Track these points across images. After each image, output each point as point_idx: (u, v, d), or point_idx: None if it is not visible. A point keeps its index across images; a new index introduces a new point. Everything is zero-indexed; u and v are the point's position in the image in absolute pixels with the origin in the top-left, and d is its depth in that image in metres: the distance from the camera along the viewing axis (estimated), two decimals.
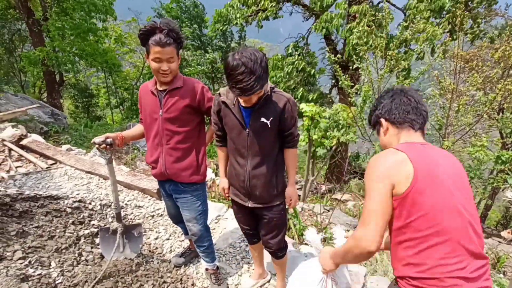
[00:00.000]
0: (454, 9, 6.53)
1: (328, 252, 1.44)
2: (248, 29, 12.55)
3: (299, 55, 9.72)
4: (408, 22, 6.90)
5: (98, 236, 2.46)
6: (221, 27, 10.07)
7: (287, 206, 1.92)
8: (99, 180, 3.62)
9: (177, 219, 2.35)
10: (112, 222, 2.79)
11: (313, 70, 9.39)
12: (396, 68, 4.83)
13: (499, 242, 8.56)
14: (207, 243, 2.22)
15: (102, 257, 2.41)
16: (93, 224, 2.74)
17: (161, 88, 1.89)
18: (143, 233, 2.80)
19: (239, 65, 1.42)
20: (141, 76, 15.64)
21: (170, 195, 2.17)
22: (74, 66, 11.04)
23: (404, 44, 6.19)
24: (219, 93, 1.77)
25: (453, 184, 1.14)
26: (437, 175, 1.13)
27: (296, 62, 9.08)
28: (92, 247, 2.48)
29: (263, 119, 1.67)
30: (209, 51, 14.31)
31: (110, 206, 3.06)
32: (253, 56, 1.44)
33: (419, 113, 1.27)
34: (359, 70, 5.22)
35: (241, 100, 1.68)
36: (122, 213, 3.07)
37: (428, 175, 1.12)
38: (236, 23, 9.68)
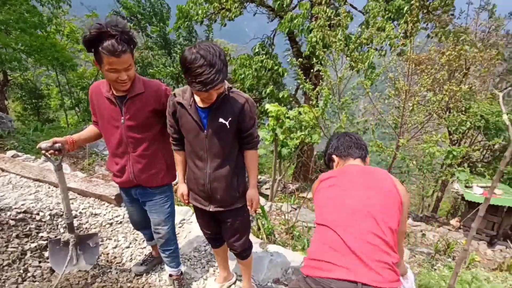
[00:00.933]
0: (408, 12, 6.91)
1: None
2: (214, 30, 12.41)
3: (265, 54, 9.77)
4: (367, 23, 7.22)
5: (48, 249, 2.25)
6: (182, 24, 9.81)
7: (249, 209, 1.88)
8: (49, 188, 3.33)
9: (141, 225, 2.24)
10: (64, 233, 2.58)
11: (281, 69, 9.48)
12: (356, 68, 5.03)
13: (449, 230, 9.30)
14: (173, 247, 2.14)
15: (52, 271, 2.21)
16: (42, 237, 2.51)
17: (119, 94, 1.73)
18: (100, 243, 2.63)
19: (197, 58, 1.35)
20: (98, 74, 14.77)
21: (136, 200, 2.05)
22: (20, 64, 10.09)
23: (365, 44, 6.46)
24: (174, 94, 1.67)
25: (358, 192, 1.38)
26: (342, 184, 1.44)
27: (264, 61, 9.10)
28: (40, 262, 2.26)
29: (221, 120, 1.61)
30: (176, 51, 13.84)
31: (61, 215, 2.83)
32: (211, 49, 1.37)
33: (359, 146, 1.62)
34: (320, 72, 5.37)
35: (198, 100, 1.61)
36: (76, 223, 2.85)
37: (333, 184, 1.46)
38: (197, 20, 9.49)
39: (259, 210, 3.91)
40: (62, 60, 11.06)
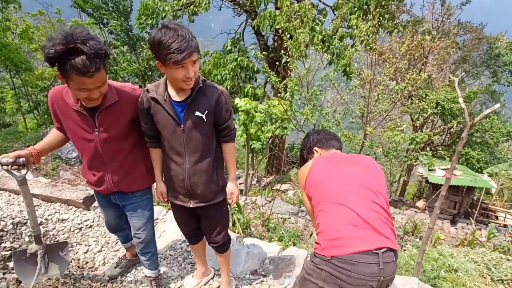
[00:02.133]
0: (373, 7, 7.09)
1: None
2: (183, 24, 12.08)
3: (238, 51, 9.62)
4: (337, 19, 7.32)
5: (12, 260, 2.12)
6: (148, 21, 9.45)
7: (229, 202, 1.89)
8: (9, 196, 3.13)
9: (117, 228, 2.19)
10: (29, 241, 2.45)
11: (256, 66, 9.40)
12: (324, 59, 5.15)
13: (416, 212, 9.86)
14: (153, 249, 2.10)
15: (18, 282, 2.09)
16: (5, 247, 2.36)
17: (90, 106, 1.58)
18: (70, 249, 2.52)
19: (167, 32, 1.36)
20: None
21: (114, 205, 1.97)
22: None
23: (332, 35, 6.58)
24: (147, 89, 1.63)
25: (351, 169, 1.51)
26: (334, 164, 1.56)
27: (239, 59, 8.96)
28: (4, 273, 2.14)
29: (198, 113, 1.59)
30: (142, 47, 13.27)
31: (25, 223, 2.67)
32: (178, 25, 1.40)
33: (337, 139, 1.82)
34: (288, 64, 5.44)
35: (173, 95, 1.59)
36: (42, 230, 2.71)
37: (325, 164, 1.56)
38: (165, 16, 9.18)
39: (235, 205, 3.92)
40: (16, 61, 10.29)
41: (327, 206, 1.40)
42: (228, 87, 8.77)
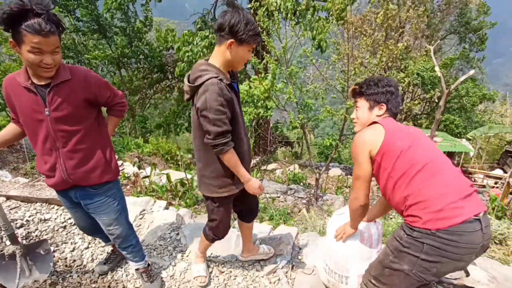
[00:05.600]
0: None
1: (345, 223, 1.87)
2: (151, 7, 11.59)
3: (209, 29, 9.36)
4: None
5: None
6: (115, 3, 8.92)
7: None
8: None
9: (91, 230, 2.07)
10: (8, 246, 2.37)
11: None
12: (300, 35, 5.05)
13: None
14: (133, 242, 2.03)
15: None
16: None
17: (41, 83, 1.51)
18: (55, 248, 2.46)
19: (246, 15, 1.49)
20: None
21: (77, 204, 1.86)
22: None
23: (307, 9, 6.44)
24: (220, 78, 1.50)
25: (419, 137, 1.47)
26: (406, 132, 1.48)
27: (211, 36, 8.69)
28: None
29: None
30: (109, 35, 12.67)
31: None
32: (242, 9, 1.55)
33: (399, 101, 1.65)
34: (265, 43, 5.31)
35: (237, 66, 1.68)
36: (24, 232, 2.63)
37: (397, 132, 1.45)
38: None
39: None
40: None
41: (420, 177, 1.34)
42: None
